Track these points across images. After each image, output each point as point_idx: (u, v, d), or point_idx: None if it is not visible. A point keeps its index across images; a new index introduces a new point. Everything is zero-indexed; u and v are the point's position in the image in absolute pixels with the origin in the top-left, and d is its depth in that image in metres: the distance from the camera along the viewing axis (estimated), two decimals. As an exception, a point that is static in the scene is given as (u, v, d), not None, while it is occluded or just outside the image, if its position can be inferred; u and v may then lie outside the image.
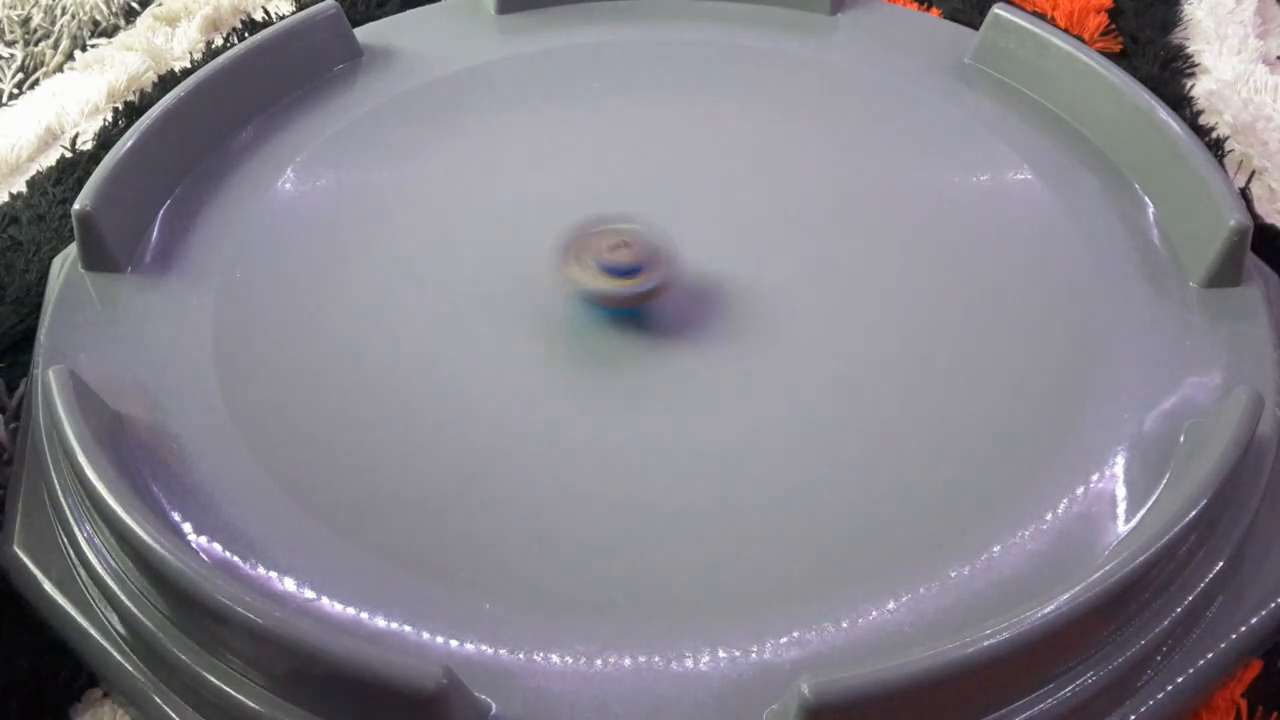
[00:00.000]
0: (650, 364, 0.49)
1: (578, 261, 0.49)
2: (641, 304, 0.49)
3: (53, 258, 0.55)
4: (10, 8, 0.72)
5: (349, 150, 0.57)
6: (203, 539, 0.42)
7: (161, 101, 0.55)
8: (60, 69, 0.69)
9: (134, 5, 0.73)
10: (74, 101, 0.66)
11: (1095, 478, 0.44)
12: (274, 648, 0.37)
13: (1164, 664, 0.41)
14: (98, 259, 0.51)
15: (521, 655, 0.39)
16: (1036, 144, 0.57)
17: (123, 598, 0.41)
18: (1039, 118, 0.58)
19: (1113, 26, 0.69)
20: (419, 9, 0.66)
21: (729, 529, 0.43)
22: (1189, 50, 0.68)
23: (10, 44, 0.70)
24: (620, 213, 0.51)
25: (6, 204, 0.60)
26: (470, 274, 0.52)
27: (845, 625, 0.40)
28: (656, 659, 0.39)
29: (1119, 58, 0.67)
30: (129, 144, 0.53)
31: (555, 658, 0.39)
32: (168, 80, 0.67)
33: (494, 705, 0.38)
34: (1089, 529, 0.42)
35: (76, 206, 0.50)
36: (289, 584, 0.41)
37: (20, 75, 0.68)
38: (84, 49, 0.70)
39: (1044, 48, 0.59)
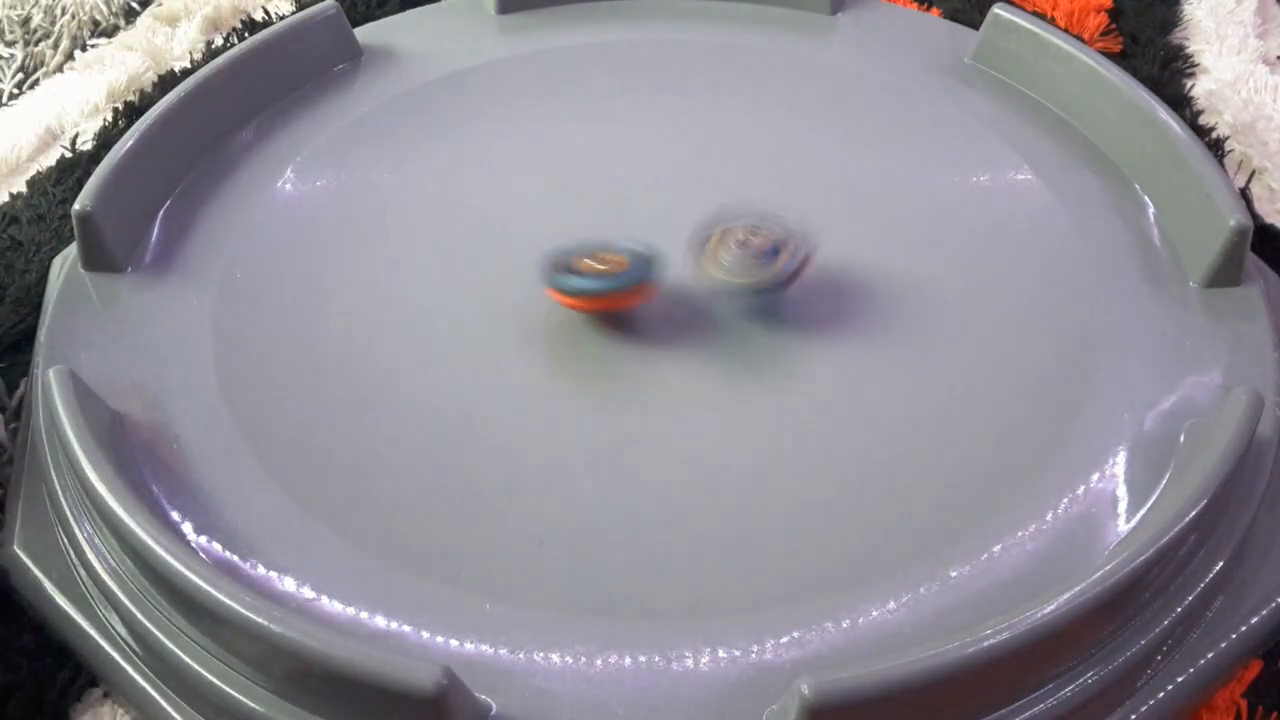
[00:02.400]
0: (651, 364, 0.49)
1: (711, 257, 0.49)
2: (778, 288, 0.49)
3: (53, 258, 0.55)
4: (10, 8, 0.72)
5: (349, 150, 0.57)
6: (203, 539, 0.42)
7: (161, 101, 0.55)
8: (60, 69, 0.69)
9: (134, 5, 0.73)
10: (74, 101, 0.66)
11: (1095, 478, 0.44)
12: (274, 648, 0.37)
13: (1164, 664, 0.41)
14: (98, 259, 0.51)
15: (521, 655, 0.39)
16: (1036, 144, 0.57)
17: (122, 598, 0.41)
18: (1039, 118, 0.58)
19: (1113, 26, 0.69)
20: (419, 9, 0.66)
21: (729, 529, 0.43)
22: (1189, 50, 0.68)
23: (10, 44, 0.70)
24: (740, 202, 0.51)
25: (6, 204, 0.60)
26: (471, 274, 0.52)
27: (845, 625, 0.40)
28: (656, 659, 0.39)
29: (1119, 58, 0.67)
30: (129, 144, 0.53)
31: (555, 658, 0.39)
32: (168, 80, 0.67)
33: (494, 705, 0.38)
34: (1089, 529, 0.42)
35: (76, 206, 0.50)
36: (289, 584, 0.41)
37: (20, 75, 0.68)
38: (84, 49, 0.70)
39: (1044, 48, 0.59)
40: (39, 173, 0.61)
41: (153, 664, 0.41)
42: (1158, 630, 0.40)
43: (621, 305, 0.50)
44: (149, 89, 0.67)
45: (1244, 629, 0.42)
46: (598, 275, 0.49)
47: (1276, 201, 0.60)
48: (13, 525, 0.46)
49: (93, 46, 0.70)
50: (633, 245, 0.50)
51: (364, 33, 0.63)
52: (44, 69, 0.69)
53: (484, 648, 0.39)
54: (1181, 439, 0.44)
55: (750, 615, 0.40)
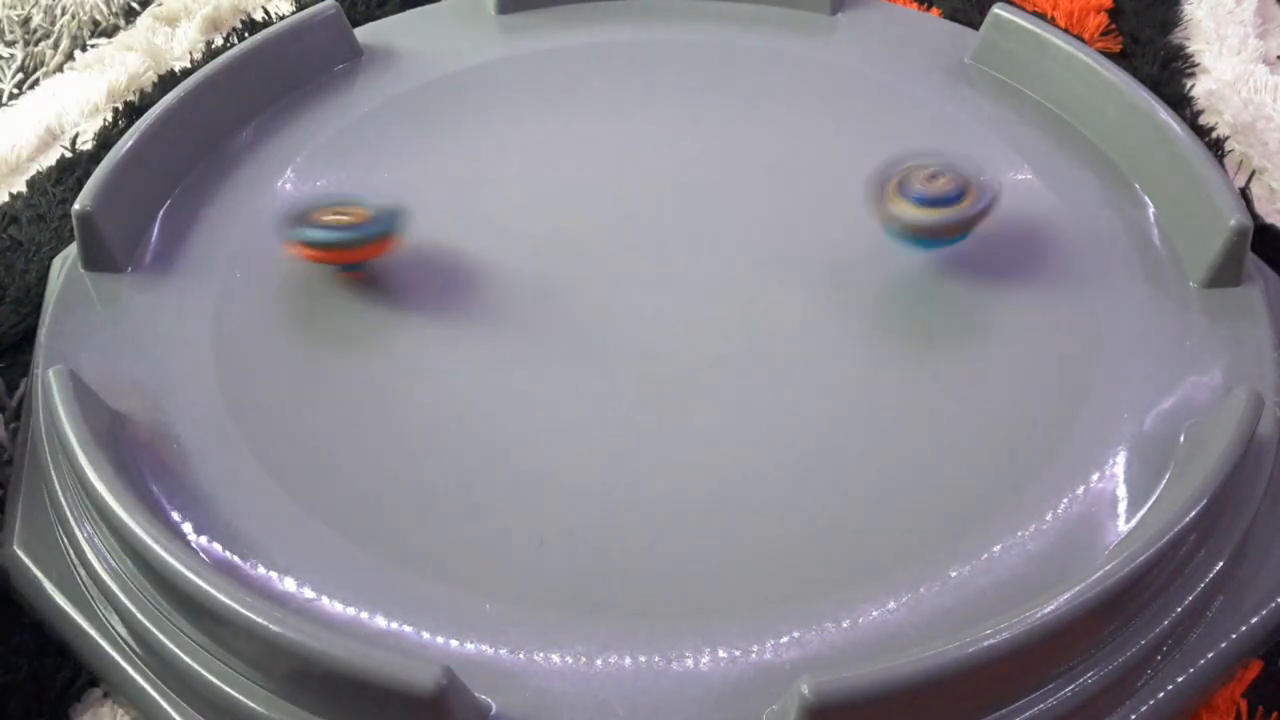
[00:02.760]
0: (651, 364, 0.49)
1: (894, 198, 0.49)
2: (962, 232, 0.50)
3: (53, 258, 0.55)
4: (10, 8, 0.72)
5: (349, 150, 0.57)
6: (203, 539, 0.42)
7: (161, 101, 0.55)
8: (60, 69, 0.69)
9: (134, 5, 0.73)
10: (74, 101, 0.66)
11: (1095, 478, 0.44)
12: (274, 648, 0.37)
13: (1164, 664, 0.41)
14: (98, 259, 0.51)
15: (521, 655, 0.39)
16: (1036, 144, 0.57)
17: (122, 598, 0.41)
18: (1039, 118, 0.58)
19: (1113, 26, 0.69)
20: (419, 9, 0.66)
21: (729, 529, 0.43)
22: (1189, 50, 0.68)
23: (10, 44, 0.70)
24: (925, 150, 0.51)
25: (6, 204, 0.60)
26: (470, 273, 0.52)
27: (845, 625, 0.40)
28: (656, 659, 0.39)
29: (1119, 58, 0.67)
30: (129, 144, 0.53)
31: (555, 658, 0.39)
32: (168, 80, 0.67)
33: (494, 705, 0.38)
34: (1089, 529, 0.42)
35: (76, 206, 0.50)
36: (289, 584, 0.41)
37: (20, 75, 0.68)
38: (84, 49, 0.70)
39: (1044, 48, 0.59)
40: (39, 173, 0.61)
41: (153, 664, 0.41)
42: (1158, 630, 0.40)
43: (361, 258, 0.50)
44: (149, 89, 0.67)
45: (1244, 629, 0.42)
46: (337, 227, 0.48)
47: (1276, 201, 0.60)
48: (13, 525, 0.46)
49: (93, 46, 0.70)
50: (375, 198, 0.50)
51: (364, 33, 0.63)
52: (44, 69, 0.69)
53: (484, 648, 0.39)
54: (1181, 439, 0.44)
55: (750, 615, 0.40)
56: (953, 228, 0.49)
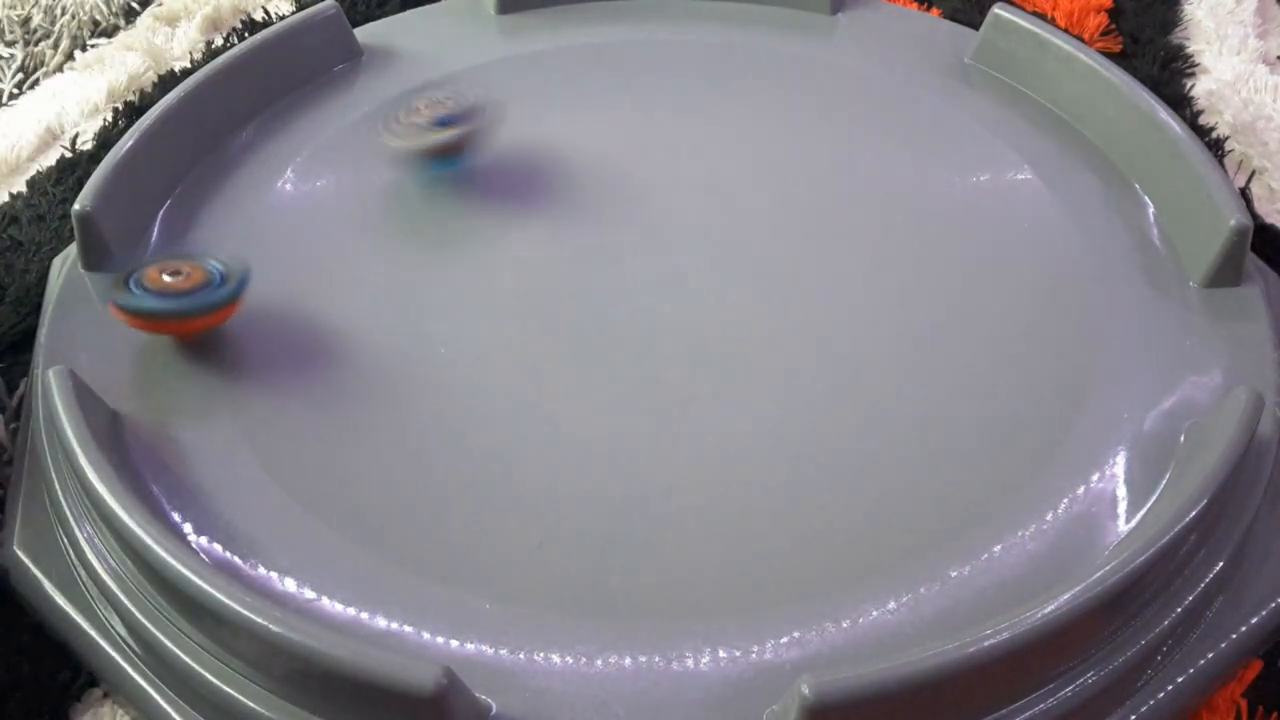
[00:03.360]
0: (651, 363, 0.49)
1: (390, 130, 0.54)
2: (454, 153, 0.54)
3: (53, 258, 0.55)
4: (10, 8, 0.72)
5: (349, 150, 0.57)
6: (203, 539, 0.42)
7: (161, 101, 0.55)
8: (60, 69, 0.69)
9: (134, 5, 0.73)
10: (74, 101, 0.66)
11: (1095, 478, 0.44)
12: (274, 648, 0.37)
13: (1164, 664, 0.41)
14: (98, 259, 0.51)
15: (521, 655, 0.39)
16: (1036, 144, 0.57)
17: (122, 598, 0.41)
18: (1039, 118, 0.58)
19: (1113, 26, 0.69)
20: (419, 9, 0.66)
21: (729, 529, 0.43)
22: (1189, 50, 0.68)
23: (10, 44, 0.70)
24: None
25: (6, 204, 0.60)
26: (470, 273, 0.52)
27: (845, 625, 0.40)
28: (656, 659, 0.39)
29: (1119, 58, 0.67)
30: (129, 144, 0.53)
31: (555, 658, 0.39)
32: (168, 80, 0.67)
33: (494, 705, 0.38)
34: (1089, 529, 0.42)
35: (76, 206, 0.50)
36: (289, 584, 0.41)
37: (20, 75, 0.68)
38: (84, 49, 0.70)
39: (1044, 48, 0.59)
40: (39, 173, 0.61)
41: (153, 664, 0.41)
42: (1158, 630, 0.40)
43: (194, 329, 0.47)
44: (149, 89, 0.67)
45: (1244, 629, 0.42)
46: (169, 293, 0.46)
47: (1276, 201, 0.60)
48: (13, 525, 0.46)
49: (93, 46, 0.70)
50: (217, 257, 0.47)
51: (364, 33, 0.63)
52: (44, 69, 0.69)
53: (484, 648, 0.39)
54: (1181, 439, 0.44)
55: (750, 615, 0.40)
56: (453, 145, 0.54)
